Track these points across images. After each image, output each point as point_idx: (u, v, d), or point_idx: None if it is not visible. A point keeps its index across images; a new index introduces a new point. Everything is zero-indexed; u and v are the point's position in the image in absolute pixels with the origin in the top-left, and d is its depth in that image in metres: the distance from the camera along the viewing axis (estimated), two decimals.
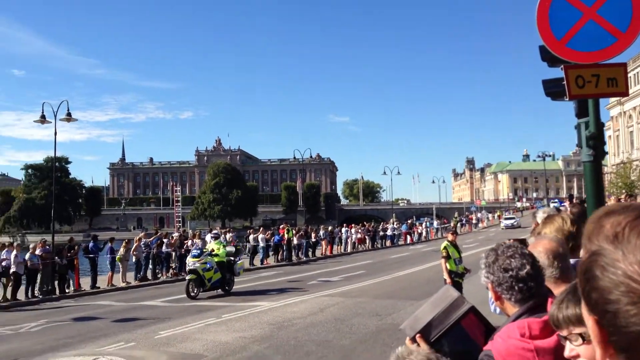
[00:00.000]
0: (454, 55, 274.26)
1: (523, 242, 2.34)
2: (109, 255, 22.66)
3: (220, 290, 18.37)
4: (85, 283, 21.92)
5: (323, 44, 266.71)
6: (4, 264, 18.62)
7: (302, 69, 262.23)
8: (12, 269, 18.75)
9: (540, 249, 2.41)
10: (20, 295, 19.15)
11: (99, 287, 21.22)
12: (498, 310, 2.27)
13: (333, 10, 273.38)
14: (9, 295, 18.81)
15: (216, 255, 18.67)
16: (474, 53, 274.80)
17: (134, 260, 23.31)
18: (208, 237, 27.36)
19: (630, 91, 73.41)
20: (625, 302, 0.74)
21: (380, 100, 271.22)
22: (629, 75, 73.43)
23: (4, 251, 18.89)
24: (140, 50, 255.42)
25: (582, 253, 0.86)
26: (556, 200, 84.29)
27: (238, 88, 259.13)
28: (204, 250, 19.26)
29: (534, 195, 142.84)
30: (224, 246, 20.03)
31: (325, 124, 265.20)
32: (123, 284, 22.07)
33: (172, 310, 15.30)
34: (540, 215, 6.11)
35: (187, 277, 17.93)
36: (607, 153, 4.85)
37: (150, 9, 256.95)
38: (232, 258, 19.36)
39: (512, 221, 62.12)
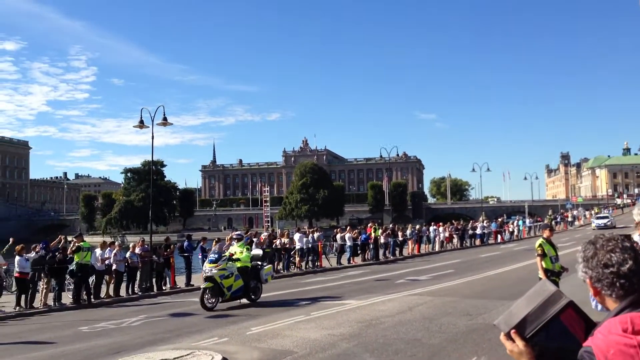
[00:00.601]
0: (544, 45, 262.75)
1: (628, 238, 2.17)
2: (201, 254, 23.50)
3: (243, 299, 16.50)
4: (181, 281, 22.85)
5: (407, 41, 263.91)
6: (107, 262, 19.81)
7: (386, 67, 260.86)
8: (114, 267, 19.94)
9: None
10: (122, 291, 20.35)
11: (193, 285, 22.02)
12: (600, 307, 2.14)
13: (415, 8, 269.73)
14: (111, 292, 20.03)
15: (237, 260, 16.44)
16: (566, 42, 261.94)
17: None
18: (296, 236, 27.85)
19: None
20: None
21: (468, 96, 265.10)
22: None
23: (107, 250, 20.06)
24: (228, 55, 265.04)
25: None
26: None
27: (324, 88, 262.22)
28: (224, 254, 17.13)
29: (636, 191, 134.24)
30: (248, 249, 17.31)
31: (412, 121, 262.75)
32: None
33: (262, 308, 15.63)
34: (637, 212, 5.69)
35: (203, 286, 15.89)
36: None
37: (235, 15, 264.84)
38: (259, 262, 17.52)
39: (604, 220, 56.07)
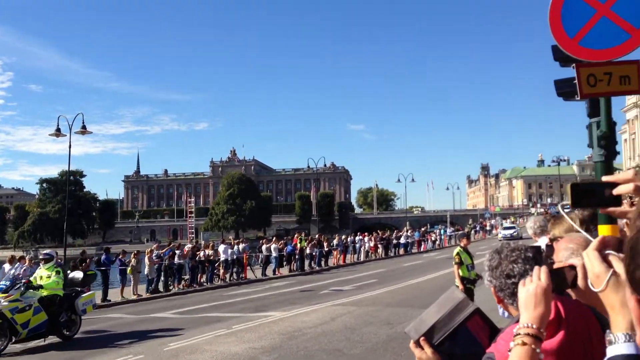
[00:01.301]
0: (468, 60, 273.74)
1: (532, 248, 2.21)
2: (119, 268, 22.64)
3: (47, 337, 13.03)
4: (97, 296, 21.86)
5: (337, 52, 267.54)
6: (11, 275, 18.61)
7: (316, 78, 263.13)
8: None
9: (572, 245, 2.28)
10: None
11: (110, 300, 21.16)
12: (506, 313, 2.21)
13: (346, 20, 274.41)
14: None
15: (40, 287, 12.98)
16: (487, 58, 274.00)
17: (146, 272, 23.27)
18: (221, 248, 27.35)
19: None
20: None
21: (395, 108, 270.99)
22: None
23: (16, 265, 18.90)
24: (155, 63, 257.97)
25: (630, 231, 0.84)
26: (567, 205, 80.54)
27: (252, 98, 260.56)
28: (19, 281, 12.86)
29: (549, 200, 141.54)
30: (59, 272, 13.53)
31: (340, 132, 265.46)
32: (134, 297, 22.02)
33: (183, 322, 15.18)
34: (530, 225, 6.12)
35: None
36: (618, 153, 4.70)
37: (163, 21, 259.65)
38: (77, 288, 14.47)
39: (511, 231, 55.41)
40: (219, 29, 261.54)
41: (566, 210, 2.88)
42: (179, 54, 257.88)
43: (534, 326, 1.49)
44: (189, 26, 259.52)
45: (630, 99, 71.31)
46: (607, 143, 4.64)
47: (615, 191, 1.30)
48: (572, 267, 1.52)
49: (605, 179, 1.36)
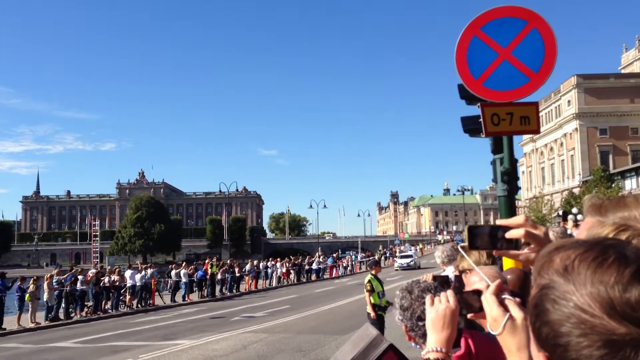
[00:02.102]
0: (380, 91, 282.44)
1: (446, 281, 2.32)
2: (17, 294, 21.24)
3: None
4: None
5: (250, 75, 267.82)
6: None
7: (229, 101, 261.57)
8: None
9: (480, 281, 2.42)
10: None
11: (5, 329, 19.78)
12: (417, 345, 2.28)
13: (261, 42, 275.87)
14: None
15: None
16: (399, 89, 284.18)
17: (45, 298, 21.96)
18: (128, 273, 26.34)
19: (542, 129, 78.10)
20: (577, 334, 0.74)
21: (308, 134, 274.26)
22: (541, 113, 78.36)
23: None
24: (58, 80, 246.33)
25: (532, 288, 0.85)
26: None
27: (162, 119, 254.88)
28: None
29: (454, 228, 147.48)
30: None
31: (253, 157, 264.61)
32: (32, 325, 20.70)
33: (85, 352, 14.45)
34: (438, 254, 6.42)
35: None
36: (520, 188, 5.02)
37: (67, 37, 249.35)
38: None
39: (407, 260, 50.56)
40: (124, 49, 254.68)
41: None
42: (85, 71, 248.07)
43: (442, 350, 1.53)
44: (93, 43, 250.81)
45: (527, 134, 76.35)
46: (510, 179, 4.98)
47: (508, 235, 1.38)
48: (477, 292, 1.63)
49: (499, 222, 1.44)
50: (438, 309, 1.56)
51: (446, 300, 1.57)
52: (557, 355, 0.77)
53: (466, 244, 1.52)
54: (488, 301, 1.24)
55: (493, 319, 1.23)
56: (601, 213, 1.04)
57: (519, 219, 1.40)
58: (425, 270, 36.32)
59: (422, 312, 2.14)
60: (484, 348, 1.92)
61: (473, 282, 2.42)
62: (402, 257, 53.62)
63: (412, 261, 50.29)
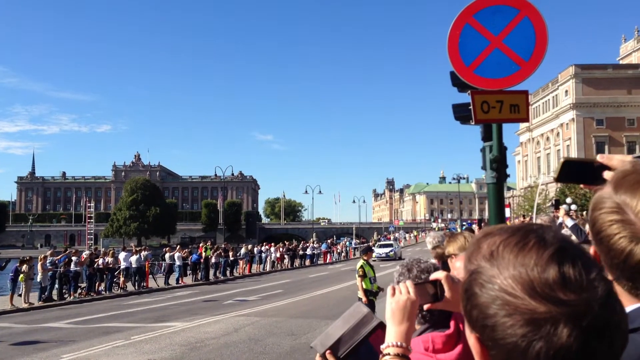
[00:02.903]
0: (376, 78, 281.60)
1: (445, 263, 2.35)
2: (11, 275, 21.28)
3: None
4: None
5: (248, 59, 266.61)
6: None
7: (226, 85, 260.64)
8: None
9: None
10: None
11: None
12: None
13: (257, 27, 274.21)
14: None
15: None
16: (396, 77, 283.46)
17: (38, 279, 22.01)
18: (122, 255, 26.40)
19: (539, 119, 78.16)
20: (502, 314, 0.78)
21: (305, 119, 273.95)
22: (538, 103, 78.22)
23: None
24: (55, 60, 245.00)
25: (463, 274, 0.90)
26: (467, 222, 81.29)
27: (159, 102, 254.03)
28: None
29: (449, 216, 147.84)
30: None
31: (249, 141, 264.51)
32: (25, 305, 20.76)
33: (78, 332, 14.52)
34: (429, 240, 6.47)
35: None
36: (509, 176, 5.06)
37: (64, 16, 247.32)
38: None
39: (386, 250, 46.13)
40: (122, 30, 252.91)
41: (465, 227, 3.07)
42: (79, 52, 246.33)
43: (403, 344, 1.52)
44: (90, 23, 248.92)
45: (524, 123, 76.40)
46: (499, 166, 5.00)
47: (607, 173, 1.29)
48: (434, 282, 1.63)
49: (600, 159, 1.36)
50: (399, 300, 1.55)
51: (406, 291, 1.56)
52: (486, 335, 0.82)
53: (555, 175, 1.46)
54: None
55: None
56: (616, 187, 1.05)
57: (624, 159, 1.30)
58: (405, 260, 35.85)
59: None
60: None
61: (458, 267, 2.46)
62: (380, 246, 48.88)
63: (391, 251, 46.21)
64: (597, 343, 0.76)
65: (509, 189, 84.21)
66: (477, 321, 0.83)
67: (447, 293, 1.63)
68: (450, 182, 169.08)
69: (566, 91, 72.84)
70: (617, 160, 1.33)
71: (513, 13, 4.74)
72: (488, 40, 4.82)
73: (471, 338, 0.87)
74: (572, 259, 0.80)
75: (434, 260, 2.44)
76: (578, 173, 1.44)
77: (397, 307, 1.55)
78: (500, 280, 0.80)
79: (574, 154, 70.88)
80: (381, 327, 2.24)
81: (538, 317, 0.76)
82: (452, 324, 2.11)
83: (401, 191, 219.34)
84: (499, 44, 4.80)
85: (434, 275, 1.74)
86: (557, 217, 10.24)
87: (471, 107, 4.83)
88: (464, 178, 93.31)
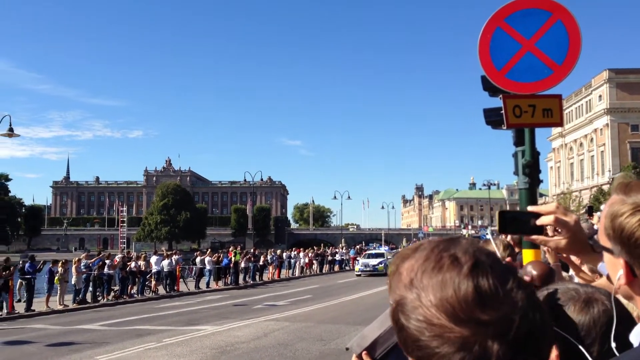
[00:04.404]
0: (406, 83, 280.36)
1: None
2: (46, 276, 21.77)
3: None
4: (21, 306, 20.95)
5: (276, 65, 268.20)
6: None
7: (255, 91, 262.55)
8: None
9: None
10: None
11: (34, 310, 20.31)
12: None
13: (286, 33, 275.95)
14: None
15: None
16: (425, 81, 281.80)
17: (73, 282, 22.47)
18: (153, 259, 26.79)
19: (572, 124, 76.78)
20: (435, 345, 0.78)
21: (333, 125, 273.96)
22: (571, 108, 76.87)
23: None
24: (87, 66, 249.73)
25: (390, 301, 0.88)
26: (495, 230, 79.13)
27: (189, 108, 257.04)
28: None
29: (479, 222, 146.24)
30: None
31: (278, 147, 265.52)
32: (60, 307, 21.22)
33: (111, 334, 14.78)
34: None
35: None
36: (542, 181, 4.99)
37: (96, 25, 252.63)
38: None
39: (374, 262, 37.04)
40: (153, 37, 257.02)
41: (494, 236, 3.05)
42: (112, 59, 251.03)
43: None
44: (122, 31, 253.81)
45: (556, 129, 75.16)
46: (531, 171, 4.95)
47: (538, 222, 1.38)
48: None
49: (530, 209, 1.44)
50: None
51: None
52: None
53: (496, 228, 1.53)
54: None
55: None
56: (626, 192, 1.07)
57: (550, 206, 1.41)
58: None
59: None
60: None
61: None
62: (368, 256, 39.69)
63: (381, 263, 36.36)
64: (526, 349, 0.78)
65: (541, 195, 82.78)
66: (413, 351, 0.82)
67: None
68: (480, 189, 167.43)
69: (600, 96, 71.48)
70: (545, 209, 1.39)
71: (545, 16, 4.70)
72: (520, 44, 4.79)
73: None
74: (485, 273, 0.80)
75: None
76: (515, 223, 1.46)
77: None
78: (424, 310, 0.79)
79: (608, 160, 69.43)
80: None
81: (467, 341, 0.76)
82: None
83: (430, 197, 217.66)
84: (531, 48, 4.77)
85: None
86: (593, 225, 10.06)
87: (503, 111, 4.80)
88: (494, 184, 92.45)
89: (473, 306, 0.77)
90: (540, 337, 0.80)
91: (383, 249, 44.28)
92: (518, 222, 1.46)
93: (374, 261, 37.52)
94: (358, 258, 41.63)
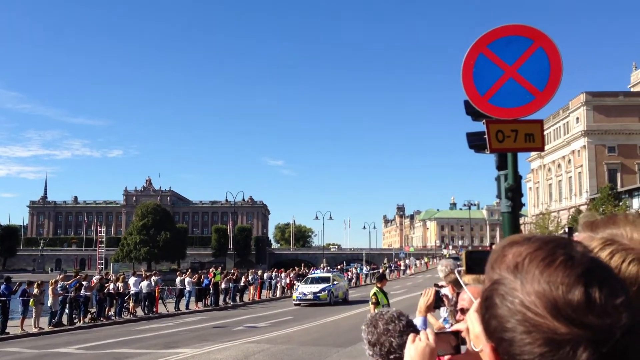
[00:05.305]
0: (388, 104, 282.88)
1: (402, 315, 2.33)
2: (21, 299, 21.31)
3: None
4: None
5: (258, 84, 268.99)
6: None
7: (237, 110, 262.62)
8: None
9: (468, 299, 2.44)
10: None
11: (8, 333, 19.87)
12: None
13: (269, 51, 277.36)
14: None
15: None
16: (407, 103, 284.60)
17: (49, 304, 22.01)
18: (132, 280, 26.39)
19: (549, 146, 77.92)
20: (521, 330, 0.77)
21: (315, 145, 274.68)
22: (549, 130, 78.11)
23: None
24: (67, 86, 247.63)
25: (485, 281, 0.88)
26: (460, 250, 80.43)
27: (170, 127, 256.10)
28: None
29: (460, 242, 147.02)
30: None
31: (259, 166, 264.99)
32: (35, 330, 20.76)
33: (88, 358, 14.50)
34: (441, 268, 6.39)
35: None
36: (524, 204, 5.03)
37: (76, 43, 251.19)
38: None
39: (314, 289, 29.95)
40: (132, 56, 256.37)
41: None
42: (94, 77, 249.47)
43: None
44: (101, 50, 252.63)
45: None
46: (514, 195, 4.98)
47: None
48: (456, 334, 1.61)
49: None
50: (417, 347, 1.55)
51: (426, 338, 1.57)
52: (502, 348, 0.80)
53: (463, 268, 1.53)
54: (471, 318, 1.26)
55: (475, 336, 1.25)
56: (592, 229, 1.09)
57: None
58: (353, 304, 28.94)
59: (390, 345, 2.19)
60: None
61: (462, 299, 2.45)
62: (311, 280, 32.19)
63: (325, 290, 29.83)
64: None
65: (520, 216, 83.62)
66: (495, 332, 0.81)
67: (468, 346, 1.61)
68: (461, 209, 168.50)
69: (577, 118, 72.77)
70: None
71: (527, 43, 4.78)
72: (502, 70, 4.85)
73: (487, 347, 0.85)
74: (599, 282, 0.78)
75: (394, 309, 2.43)
76: (482, 264, 1.48)
77: (416, 353, 1.53)
78: (523, 295, 0.78)
79: (585, 181, 70.48)
80: None
81: (558, 338, 0.74)
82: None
83: (411, 217, 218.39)
84: (513, 74, 4.84)
85: (455, 327, 1.72)
86: None
87: (486, 136, 4.84)
88: (474, 204, 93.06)
89: (578, 308, 0.75)
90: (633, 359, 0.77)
91: (330, 273, 35.06)
92: (484, 262, 1.47)
93: (315, 288, 30.24)
94: (298, 283, 34.67)
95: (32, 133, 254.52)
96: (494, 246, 0.94)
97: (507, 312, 0.79)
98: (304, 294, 29.93)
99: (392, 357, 2.17)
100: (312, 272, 41.19)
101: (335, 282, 31.53)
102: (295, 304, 29.80)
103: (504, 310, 0.80)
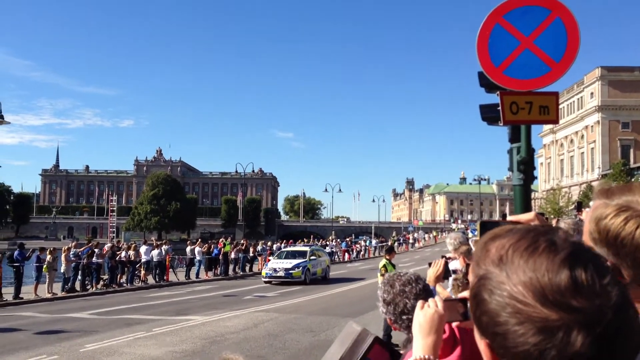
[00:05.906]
0: (398, 77, 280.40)
1: (420, 278, 2.35)
2: (35, 264, 21.65)
3: None
4: (9, 293, 20.82)
5: (269, 57, 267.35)
6: None
7: (247, 82, 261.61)
8: None
9: None
10: None
11: (22, 298, 20.22)
12: None
13: (279, 25, 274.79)
14: None
15: None
16: (417, 76, 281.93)
17: (62, 270, 22.36)
18: (143, 249, 26.70)
19: (563, 121, 77.10)
20: (513, 322, 0.76)
21: (325, 118, 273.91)
22: (562, 105, 77.21)
23: None
24: (80, 55, 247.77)
25: (471, 278, 0.87)
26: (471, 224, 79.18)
27: (181, 99, 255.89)
28: None
29: (469, 217, 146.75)
30: None
31: (269, 139, 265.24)
32: (49, 295, 21.12)
33: (100, 323, 14.74)
34: (449, 241, 6.40)
35: None
36: (536, 178, 5.01)
37: (87, 13, 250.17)
38: None
39: (286, 265, 26.25)
40: (144, 26, 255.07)
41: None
42: (103, 48, 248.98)
43: (430, 357, 1.51)
44: (114, 20, 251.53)
45: (548, 125, 75.52)
46: (526, 168, 4.96)
47: None
48: (464, 301, 1.63)
49: (510, 218, 1.47)
50: (426, 313, 1.56)
51: (435, 305, 1.58)
52: (497, 342, 0.80)
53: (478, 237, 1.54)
54: None
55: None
56: (607, 196, 1.09)
57: (529, 215, 1.43)
58: (332, 283, 26.55)
59: (405, 306, 2.22)
60: (469, 335, 1.97)
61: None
62: (283, 255, 28.54)
63: (298, 266, 26.16)
64: (611, 349, 0.74)
65: (531, 190, 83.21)
66: (487, 328, 0.81)
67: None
68: (470, 183, 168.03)
69: (592, 93, 71.81)
70: (525, 217, 1.41)
71: (545, 14, 4.69)
72: (518, 41, 4.78)
73: (481, 344, 0.85)
74: (584, 264, 0.78)
75: (412, 272, 2.45)
76: None
77: (425, 320, 1.55)
78: (510, 287, 0.78)
79: (598, 157, 69.88)
80: (378, 341, 2.26)
81: (550, 325, 0.74)
82: (446, 328, 2.13)
83: (421, 191, 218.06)
84: (529, 45, 4.76)
85: (464, 294, 1.74)
86: (581, 220, 10.13)
87: (499, 108, 4.80)
88: (484, 179, 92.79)
89: (565, 292, 0.75)
90: (628, 337, 0.77)
91: (308, 247, 31.66)
92: None
93: (288, 263, 26.42)
94: (270, 258, 31.09)
95: (43, 101, 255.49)
96: (477, 243, 0.93)
97: (497, 306, 0.78)
98: (275, 270, 26.11)
99: (404, 317, 2.21)
100: (288, 246, 37.21)
101: (312, 258, 27.61)
102: (265, 282, 26.06)
103: (493, 305, 0.79)
